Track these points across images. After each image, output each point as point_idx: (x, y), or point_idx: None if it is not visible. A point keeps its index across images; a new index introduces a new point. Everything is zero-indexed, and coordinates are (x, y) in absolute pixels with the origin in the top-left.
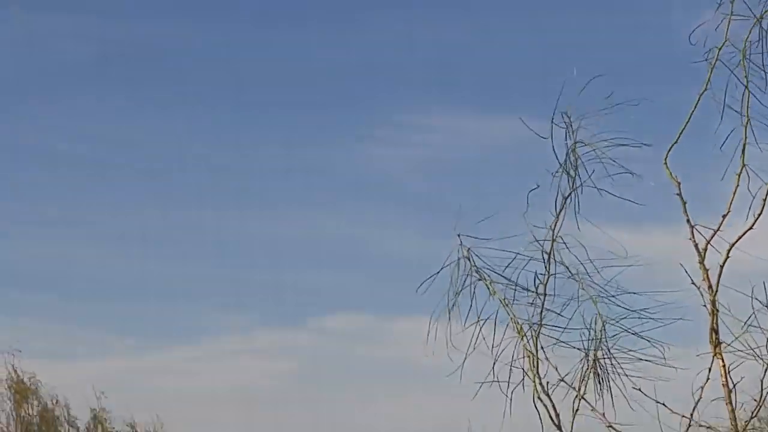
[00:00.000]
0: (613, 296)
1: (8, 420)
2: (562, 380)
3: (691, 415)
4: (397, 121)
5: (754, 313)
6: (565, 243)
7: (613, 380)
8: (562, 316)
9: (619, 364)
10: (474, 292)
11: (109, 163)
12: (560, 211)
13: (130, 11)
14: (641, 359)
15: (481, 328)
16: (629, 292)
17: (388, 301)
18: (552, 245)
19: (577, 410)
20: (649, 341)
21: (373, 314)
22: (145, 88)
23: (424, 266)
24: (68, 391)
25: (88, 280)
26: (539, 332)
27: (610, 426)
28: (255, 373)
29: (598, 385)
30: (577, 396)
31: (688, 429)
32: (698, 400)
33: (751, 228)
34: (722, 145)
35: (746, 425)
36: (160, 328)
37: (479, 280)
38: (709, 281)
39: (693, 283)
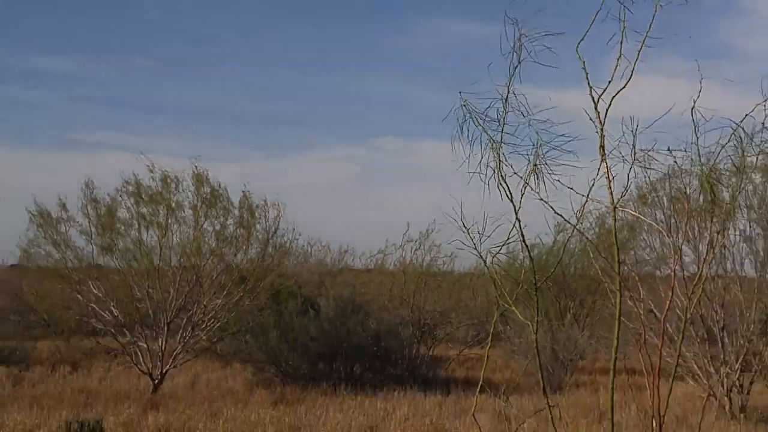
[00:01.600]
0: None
1: (193, 198)
2: (515, 173)
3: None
4: None
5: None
6: (515, 94)
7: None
8: (516, 137)
9: (548, 166)
10: (469, 128)
11: None
12: (512, 75)
13: None
14: (562, 164)
15: (471, 145)
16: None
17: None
18: (507, 95)
19: (523, 194)
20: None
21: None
22: None
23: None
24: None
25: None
26: (501, 146)
27: (543, 201)
28: None
29: (537, 178)
30: (524, 185)
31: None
32: (591, 186)
33: (623, 88)
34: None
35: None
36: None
37: (471, 119)
38: (599, 117)
39: (590, 119)
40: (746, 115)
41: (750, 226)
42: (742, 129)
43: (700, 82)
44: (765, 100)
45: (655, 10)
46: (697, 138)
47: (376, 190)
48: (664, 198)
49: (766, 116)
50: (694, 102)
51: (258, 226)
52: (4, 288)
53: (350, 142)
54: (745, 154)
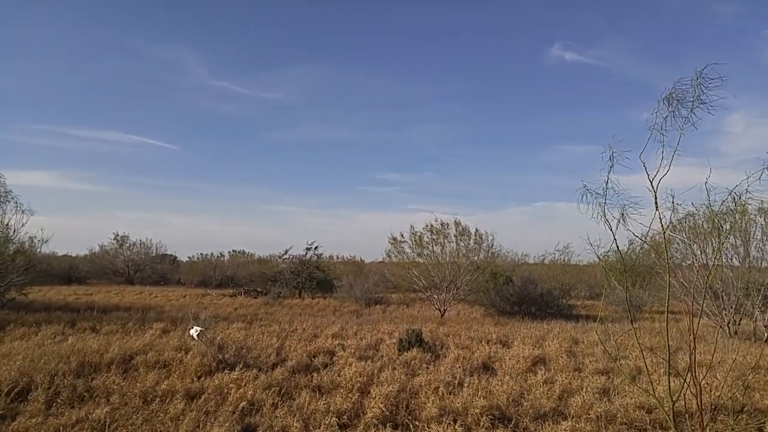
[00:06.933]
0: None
1: (454, 231)
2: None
3: (650, 224)
4: None
5: None
6: (610, 179)
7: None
8: (611, 200)
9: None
10: (586, 197)
11: None
12: (609, 169)
13: None
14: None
15: (588, 205)
16: None
17: None
18: (607, 179)
19: (617, 227)
20: None
21: None
22: None
23: None
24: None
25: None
26: (605, 203)
27: (628, 229)
28: None
29: (623, 218)
30: (616, 222)
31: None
32: (652, 220)
33: (665, 175)
34: None
35: (666, 228)
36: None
37: (588, 192)
38: (654, 188)
39: (649, 189)
40: (737, 185)
41: (735, 239)
42: (735, 192)
43: (709, 170)
44: (746, 179)
45: (679, 137)
46: (709, 197)
47: (539, 225)
48: (686, 226)
49: (747, 187)
50: (707, 179)
51: (484, 243)
52: (379, 269)
53: (524, 204)
54: (737, 205)
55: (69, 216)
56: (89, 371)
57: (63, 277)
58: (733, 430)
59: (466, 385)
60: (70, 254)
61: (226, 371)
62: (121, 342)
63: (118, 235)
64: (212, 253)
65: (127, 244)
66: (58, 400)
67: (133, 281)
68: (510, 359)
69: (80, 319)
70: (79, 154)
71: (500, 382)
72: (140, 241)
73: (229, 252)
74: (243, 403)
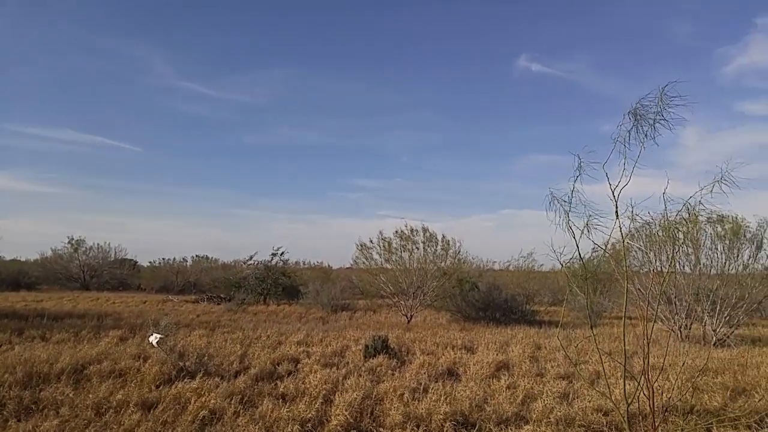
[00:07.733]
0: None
1: (422, 237)
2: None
3: (611, 232)
4: None
5: None
6: (575, 188)
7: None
8: (575, 209)
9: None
10: (553, 204)
11: None
12: (575, 179)
13: None
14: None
15: (554, 212)
16: None
17: None
18: (573, 189)
19: (580, 235)
20: None
21: None
22: None
23: None
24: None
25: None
26: (569, 212)
27: (588, 238)
28: None
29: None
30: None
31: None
32: (612, 229)
33: (625, 185)
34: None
35: (625, 237)
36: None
37: (555, 200)
38: (615, 198)
39: (610, 199)
40: (691, 196)
41: (687, 247)
42: (689, 203)
43: (667, 181)
44: (699, 190)
45: (640, 150)
46: (665, 206)
47: (505, 232)
48: (643, 234)
49: (699, 198)
50: (664, 190)
51: (451, 250)
52: (346, 276)
53: (490, 212)
54: (690, 215)
55: (18, 218)
56: (37, 382)
57: (10, 282)
58: (683, 430)
59: (430, 391)
60: (19, 258)
61: (186, 379)
62: (73, 351)
63: (72, 238)
64: (174, 258)
65: (83, 248)
66: (4, 413)
67: (89, 287)
68: (474, 365)
69: (29, 327)
70: (31, 153)
71: (464, 388)
72: (97, 245)
73: (192, 257)
74: (203, 412)
